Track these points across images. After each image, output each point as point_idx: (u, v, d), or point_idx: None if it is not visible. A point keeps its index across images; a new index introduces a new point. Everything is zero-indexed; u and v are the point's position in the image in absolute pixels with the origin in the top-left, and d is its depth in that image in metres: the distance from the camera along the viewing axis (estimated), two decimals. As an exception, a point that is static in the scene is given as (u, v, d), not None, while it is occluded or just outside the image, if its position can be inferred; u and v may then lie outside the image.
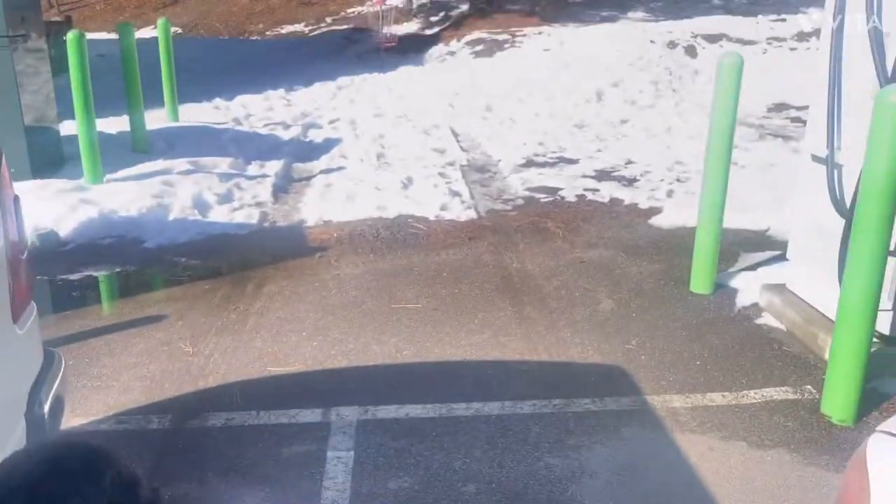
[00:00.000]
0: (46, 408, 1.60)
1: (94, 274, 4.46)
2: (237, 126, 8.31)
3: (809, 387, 3.19)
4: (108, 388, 3.18)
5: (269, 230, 5.26)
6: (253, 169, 6.61)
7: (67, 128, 6.39)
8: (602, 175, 6.64)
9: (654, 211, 5.58)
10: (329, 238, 5.05)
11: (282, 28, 20.97)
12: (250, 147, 7.29)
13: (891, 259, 2.89)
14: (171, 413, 3.00)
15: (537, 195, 6.08)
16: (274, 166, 6.72)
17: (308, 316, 3.91)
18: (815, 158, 3.54)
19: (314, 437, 2.85)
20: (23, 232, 1.72)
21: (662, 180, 6.41)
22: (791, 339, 3.61)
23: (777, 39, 14.58)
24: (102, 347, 3.52)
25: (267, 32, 20.77)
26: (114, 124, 7.52)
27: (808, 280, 3.64)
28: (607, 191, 6.11)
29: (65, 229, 4.85)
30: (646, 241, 4.99)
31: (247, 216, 5.39)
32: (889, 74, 2.96)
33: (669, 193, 5.98)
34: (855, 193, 3.15)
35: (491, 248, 4.89)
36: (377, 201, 5.67)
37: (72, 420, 2.92)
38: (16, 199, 1.70)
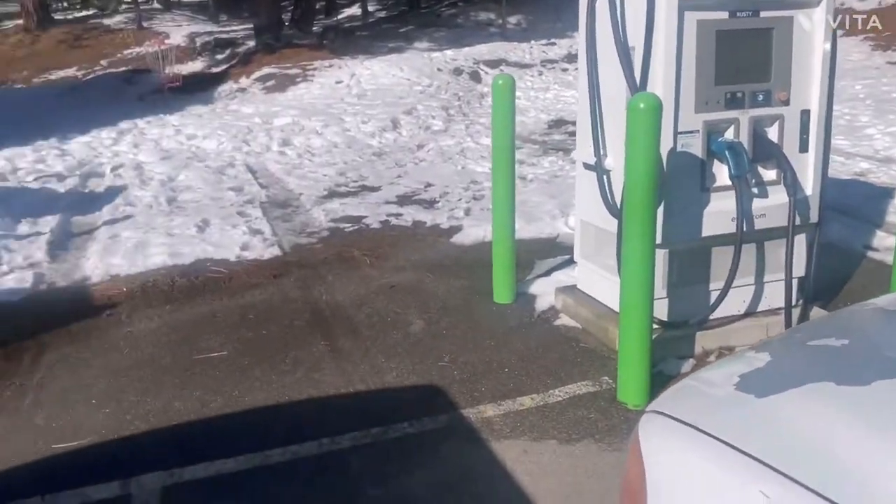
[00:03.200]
0: None
1: None
2: (2, 182, 7.48)
3: (606, 378, 3.42)
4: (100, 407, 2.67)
5: (46, 293, 4.75)
6: (23, 227, 5.95)
7: None
8: (404, 200, 6.76)
9: (455, 230, 5.75)
10: (118, 293, 4.66)
11: (50, 74, 19.34)
12: (18, 204, 6.57)
13: (658, 251, 3.18)
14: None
15: (342, 225, 6.05)
16: (49, 222, 6.11)
17: (97, 382, 3.56)
18: (587, 166, 3.83)
19: (113, 513, 2.58)
20: None
21: (460, 200, 6.64)
22: (586, 335, 3.86)
23: (550, 62, 15.81)
24: None
25: (34, 80, 19.06)
26: None
27: (594, 278, 3.92)
28: (410, 214, 6.21)
29: None
30: (450, 260, 5.13)
31: (18, 280, 4.83)
32: (638, 84, 3.28)
33: (467, 212, 6.20)
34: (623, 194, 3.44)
35: (298, 284, 4.77)
36: (170, 248, 5.33)
37: None
38: None
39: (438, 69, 14.36)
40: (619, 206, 3.50)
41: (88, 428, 3.14)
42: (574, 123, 10.89)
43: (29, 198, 6.88)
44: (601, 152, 3.62)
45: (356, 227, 5.96)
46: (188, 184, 7.48)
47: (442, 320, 4.14)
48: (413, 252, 5.32)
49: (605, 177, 3.60)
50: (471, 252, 5.27)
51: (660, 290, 3.40)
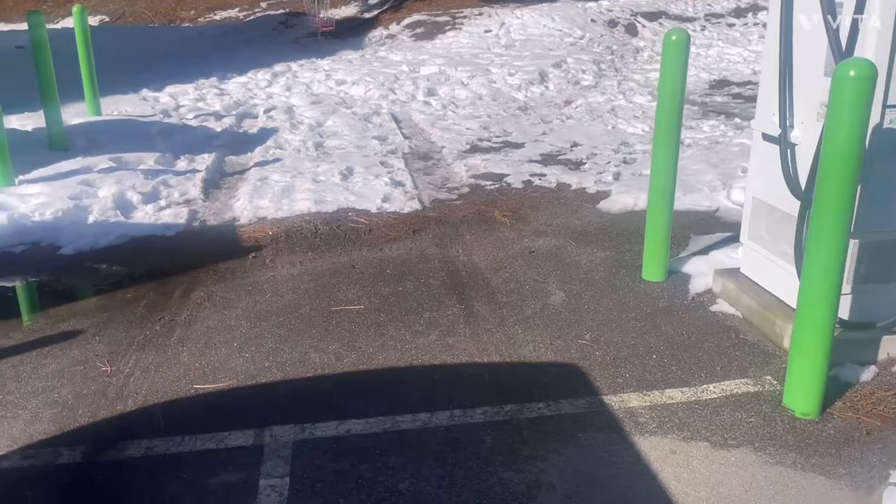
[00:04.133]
0: None
1: (3, 286, 4.07)
2: (165, 118, 7.87)
3: (769, 377, 3.07)
4: (13, 418, 2.85)
5: (198, 230, 4.92)
6: (182, 164, 6.22)
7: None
8: (548, 159, 6.47)
9: (602, 195, 5.42)
10: (264, 236, 4.75)
11: (215, 14, 20.24)
12: (179, 140, 6.89)
13: (850, 241, 2.76)
14: (84, 444, 2.70)
15: (483, 182, 5.87)
16: (205, 160, 6.35)
17: (240, 324, 3.62)
18: (767, 137, 3.40)
19: (245, 463, 2.59)
20: None
21: (609, 162, 6.27)
22: (747, 326, 3.49)
23: (715, 16, 14.66)
24: (9, 371, 3.18)
25: (199, 19, 20.04)
26: (30, 120, 7.03)
27: (762, 263, 3.52)
28: (554, 175, 5.93)
29: (-31, 238, 4.43)
30: (595, 227, 4.83)
31: (174, 216, 5.04)
32: (843, 49, 2.82)
33: (617, 176, 5.83)
34: (811, 173, 3.02)
35: (436, 241, 4.66)
36: (315, 195, 5.37)
37: (-32, 459, 2.60)
38: None
39: (592, 20, 13.69)
40: (803, 185, 3.08)
41: (228, 371, 3.20)
42: (739, 84, 10.09)
43: (189, 135, 7.19)
44: (787, 123, 3.18)
45: (497, 186, 5.77)
46: (335, 130, 7.55)
47: (584, 293, 3.89)
48: (555, 216, 5.06)
49: (788, 151, 3.16)
50: (618, 221, 4.94)
51: (844, 285, 2.98)
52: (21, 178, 5.31)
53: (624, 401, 2.93)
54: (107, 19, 20.65)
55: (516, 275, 4.13)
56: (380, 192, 5.45)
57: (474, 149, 6.89)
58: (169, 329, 3.57)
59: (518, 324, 3.58)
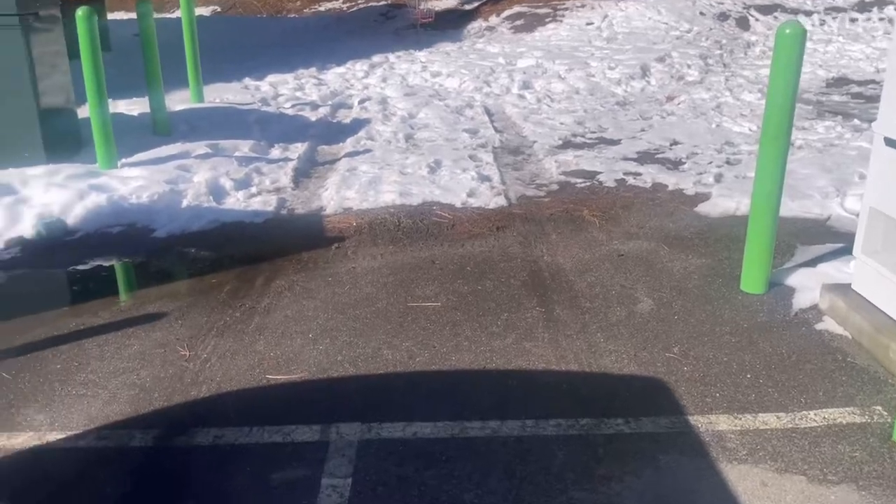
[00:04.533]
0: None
1: (97, 266, 4.22)
2: (264, 106, 8.04)
3: (879, 408, 2.77)
4: (93, 396, 2.92)
5: (285, 218, 4.97)
6: (276, 152, 6.32)
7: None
8: (644, 157, 6.18)
9: (702, 197, 5.12)
10: (348, 227, 4.74)
11: (320, 5, 20.66)
12: (275, 128, 7.01)
13: None
14: (157, 428, 2.73)
15: (573, 179, 5.67)
16: (298, 149, 6.43)
17: (317, 315, 3.60)
18: (890, 142, 3.07)
19: (309, 459, 2.55)
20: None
21: (710, 163, 5.93)
22: (857, 348, 3.17)
23: (835, 10, 13.75)
24: (94, 350, 3.27)
25: (304, 10, 20.50)
26: (137, 106, 7.33)
27: (878, 281, 3.19)
28: (650, 175, 5.66)
29: (73, 217, 4.62)
30: (691, 232, 4.55)
31: (263, 203, 5.11)
32: None
33: (718, 178, 5.50)
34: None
35: (520, 239, 4.51)
36: (402, 187, 5.33)
37: (49, 435, 2.67)
38: None
39: (701, 13, 13.09)
40: (931, 197, 2.75)
41: (301, 362, 3.18)
42: (860, 83, 9.37)
43: (285, 124, 7.31)
44: (915, 126, 2.85)
45: (588, 184, 5.55)
46: (426, 122, 7.50)
47: (674, 302, 3.65)
48: (649, 218, 4.81)
49: (916, 158, 2.83)
50: (717, 226, 4.64)
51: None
52: (124, 161, 5.52)
53: (712, 423, 2.71)
54: (218, 9, 21.46)
55: (602, 279, 3.94)
56: (466, 186, 5.35)
57: (567, 144, 6.68)
58: (248, 316, 3.60)
59: (601, 331, 3.39)
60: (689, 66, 10.10)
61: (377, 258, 4.29)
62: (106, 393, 2.95)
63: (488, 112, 8.08)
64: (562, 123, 7.45)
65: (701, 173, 5.63)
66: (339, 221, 4.84)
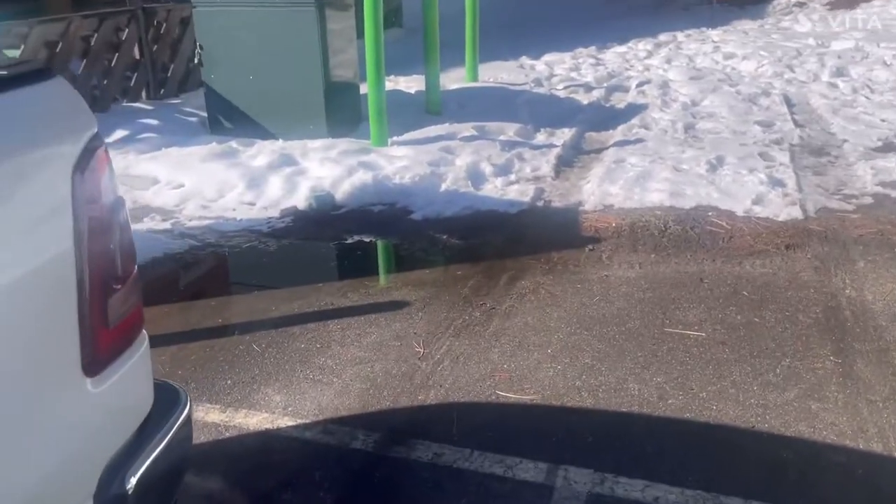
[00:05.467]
0: (131, 487, 1.22)
1: (355, 245, 4.30)
2: (536, 87, 7.82)
3: None
4: (327, 385, 2.91)
5: (540, 211, 4.68)
6: (540, 137, 6.06)
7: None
8: None
9: None
10: (606, 227, 4.32)
11: (607, -20, 19.93)
12: (543, 111, 6.75)
13: None
14: (379, 432, 2.62)
15: (894, 193, 4.63)
16: (564, 135, 6.10)
17: (559, 327, 3.27)
18: None
19: (529, 504, 2.25)
20: (126, 246, 1.32)
21: None
22: None
23: None
24: (337, 333, 3.28)
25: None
26: (415, 83, 7.52)
27: None
28: None
29: (340, 192, 4.79)
30: None
31: (520, 192, 4.87)
32: None
33: None
34: None
35: (816, 264, 3.75)
36: (673, 186, 4.76)
37: (281, 420, 2.69)
38: (116, 203, 1.29)
39: None
40: None
41: (535, 381, 2.88)
42: None
43: (554, 107, 7.02)
44: None
45: (916, 199, 4.49)
46: (711, 110, 6.72)
47: None
48: None
49: None
50: None
51: None
52: (394, 139, 5.64)
53: None
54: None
55: (926, 330, 3.08)
56: (751, 190, 4.61)
57: (888, 147, 5.52)
58: (487, 318, 3.38)
59: (919, 404, 2.63)
60: None
61: (635, 267, 3.83)
62: (339, 383, 2.92)
63: (788, 102, 7.02)
64: (883, 120, 6.20)
65: None
66: (596, 220, 4.44)
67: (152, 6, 6.56)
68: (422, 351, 3.12)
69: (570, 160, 5.63)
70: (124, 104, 6.30)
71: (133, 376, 1.33)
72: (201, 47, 5.76)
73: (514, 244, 4.19)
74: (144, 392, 1.40)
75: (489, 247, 4.19)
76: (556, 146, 5.78)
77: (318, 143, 5.50)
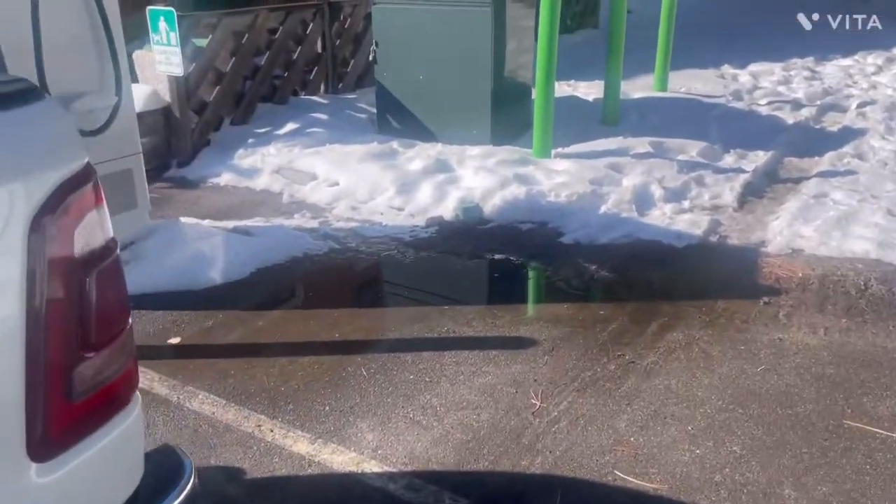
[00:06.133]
0: None
1: (495, 266, 3.98)
2: (734, 101, 7.00)
3: None
4: (425, 429, 2.63)
5: (712, 248, 4.08)
6: (728, 159, 5.36)
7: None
8: None
9: None
10: (790, 277, 3.65)
11: (840, -19, 17.83)
12: (737, 130, 5.99)
13: None
14: (469, 499, 2.29)
15: None
16: (757, 158, 5.35)
17: (708, 398, 2.74)
18: None
19: None
20: (113, 304, 1.09)
21: None
22: None
23: None
24: (450, 367, 2.99)
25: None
26: (595, 90, 7.03)
27: None
28: None
29: (490, 206, 4.49)
30: None
31: (691, 223, 4.28)
32: None
33: None
34: None
35: None
36: (884, 234, 3.95)
37: (367, 464, 2.45)
38: (100, 253, 1.05)
39: None
40: None
41: (664, 465, 2.40)
42: None
43: (751, 125, 6.22)
44: None
45: None
46: (949, 142, 5.60)
47: None
48: None
49: None
50: None
51: None
52: (558, 150, 5.24)
53: None
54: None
55: None
56: None
57: None
58: (623, 374, 2.93)
59: None
60: None
61: (818, 333, 3.17)
62: (439, 428, 2.63)
63: None
64: None
65: None
66: (779, 266, 3.78)
67: (338, 1, 6.65)
68: (538, 404, 2.75)
69: (760, 189, 4.91)
70: (302, 97, 6.44)
71: (109, 458, 1.11)
72: (377, 44, 5.71)
73: (673, 285, 3.66)
74: (125, 475, 1.18)
75: (643, 285, 3.70)
76: (745, 171, 5.07)
77: (477, 149, 5.24)
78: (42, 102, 1.06)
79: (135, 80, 5.49)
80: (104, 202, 1.11)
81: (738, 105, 6.86)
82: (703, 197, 4.66)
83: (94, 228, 1.07)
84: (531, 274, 3.92)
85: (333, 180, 4.96)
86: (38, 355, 1.00)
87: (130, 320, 1.18)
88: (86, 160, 1.08)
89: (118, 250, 1.13)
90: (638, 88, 7.05)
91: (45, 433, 1.02)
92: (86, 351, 1.06)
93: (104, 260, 1.09)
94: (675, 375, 2.91)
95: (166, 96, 5.38)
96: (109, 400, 1.13)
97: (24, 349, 0.98)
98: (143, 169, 3.90)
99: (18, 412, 0.99)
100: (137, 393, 1.21)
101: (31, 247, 0.98)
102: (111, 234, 1.11)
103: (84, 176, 1.06)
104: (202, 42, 5.57)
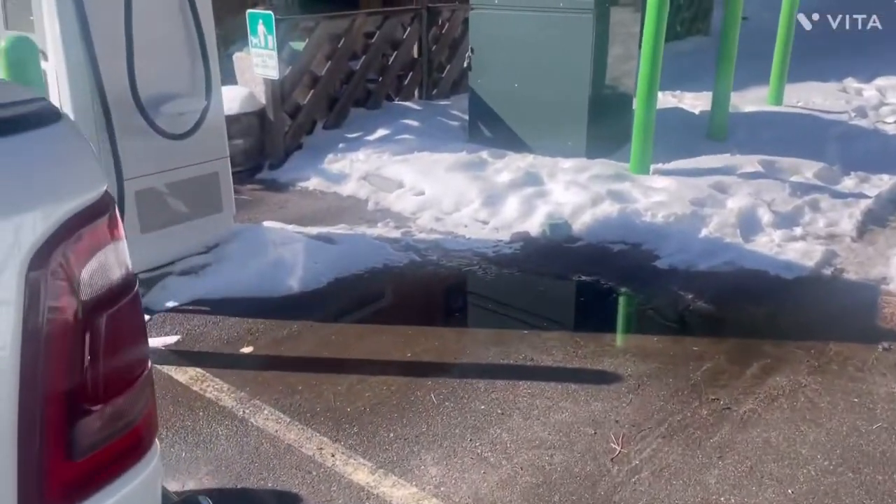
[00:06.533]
0: None
1: (583, 289, 3.75)
2: (857, 118, 6.43)
3: None
4: (492, 467, 2.44)
5: (826, 282, 3.70)
6: (848, 183, 4.90)
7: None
8: None
9: None
10: (917, 321, 3.25)
11: None
12: (859, 149, 5.49)
13: None
14: (532, 551, 2.10)
15: None
16: (882, 182, 4.88)
17: (813, 457, 2.43)
18: None
19: None
20: (127, 352, 0.98)
21: None
22: None
23: None
24: (524, 399, 2.80)
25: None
26: (702, 101, 6.64)
27: None
28: None
29: (579, 224, 4.26)
30: None
31: (803, 253, 3.90)
32: None
33: None
34: None
35: None
36: None
37: (427, 502, 2.29)
38: (126, 285, 0.94)
39: None
40: None
41: (758, 535, 2.13)
42: None
43: (875, 144, 5.68)
44: None
45: None
46: None
47: None
48: None
49: None
50: None
51: None
52: (657, 166, 4.93)
53: None
54: (848, -8, 18.91)
55: None
56: None
57: None
58: (716, 421, 2.65)
59: None
60: None
61: (949, 390, 2.78)
62: (507, 468, 2.44)
63: None
64: None
65: None
66: (905, 307, 3.37)
67: (437, 6, 6.55)
68: (618, 449, 2.51)
69: (884, 218, 4.44)
70: (396, 102, 6.38)
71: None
72: (472, 50, 5.57)
73: (778, 321, 3.33)
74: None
75: (745, 320, 3.38)
76: (867, 197, 4.61)
77: (570, 162, 5.00)
78: (57, 125, 0.96)
79: (234, 82, 5.59)
80: (122, 235, 1.00)
81: (862, 123, 6.30)
82: (817, 224, 4.26)
83: (108, 266, 0.97)
84: (620, 300, 3.66)
85: (420, 189, 4.85)
86: (34, 413, 0.89)
87: (150, 363, 1.07)
88: (103, 189, 0.98)
89: (137, 287, 1.02)
90: (749, 101, 6.60)
91: (42, 497, 0.92)
92: (92, 404, 0.96)
93: (119, 300, 0.98)
94: (775, 427, 2.60)
95: (262, 99, 5.43)
96: (122, 452, 1.02)
97: (17, 406, 0.88)
98: (230, 172, 3.91)
99: (9, 475, 0.89)
100: (157, 440, 1.10)
101: (29, 288, 0.88)
102: (129, 269, 1.00)
103: (99, 207, 0.95)
104: (299, 45, 5.59)
